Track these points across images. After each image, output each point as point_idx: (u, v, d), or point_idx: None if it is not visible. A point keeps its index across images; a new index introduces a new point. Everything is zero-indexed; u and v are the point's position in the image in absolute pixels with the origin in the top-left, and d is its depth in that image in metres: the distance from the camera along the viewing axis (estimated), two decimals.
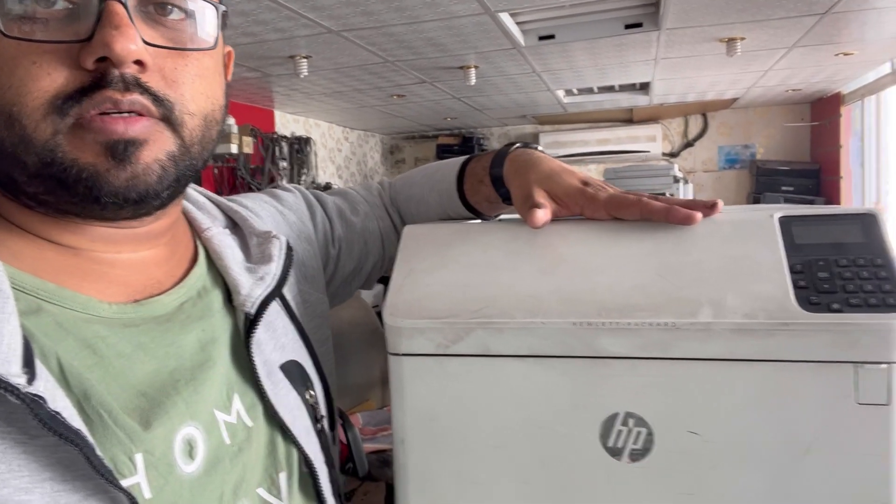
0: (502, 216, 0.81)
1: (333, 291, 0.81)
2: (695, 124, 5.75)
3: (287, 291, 0.65)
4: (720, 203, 0.61)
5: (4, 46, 0.43)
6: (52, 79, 0.44)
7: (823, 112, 5.10)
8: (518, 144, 0.73)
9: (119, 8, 0.45)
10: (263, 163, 4.37)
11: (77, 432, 0.40)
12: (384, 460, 2.03)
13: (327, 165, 5.46)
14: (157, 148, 0.48)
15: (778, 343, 0.53)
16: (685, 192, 4.76)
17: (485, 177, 0.73)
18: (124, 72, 0.45)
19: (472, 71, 3.52)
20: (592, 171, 5.83)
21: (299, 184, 4.69)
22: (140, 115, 0.47)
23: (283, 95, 4.15)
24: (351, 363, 2.58)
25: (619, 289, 0.58)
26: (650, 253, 0.60)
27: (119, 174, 0.46)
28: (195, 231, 0.62)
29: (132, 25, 0.45)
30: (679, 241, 0.60)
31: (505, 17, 2.65)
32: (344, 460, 2.00)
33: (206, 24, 0.51)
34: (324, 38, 2.80)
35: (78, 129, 0.45)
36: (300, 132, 4.98)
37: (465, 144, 6.04)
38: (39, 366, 0.41)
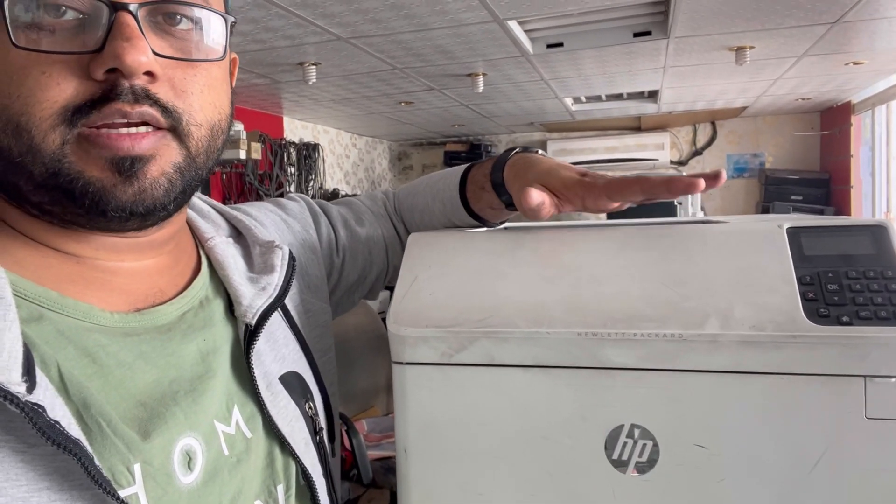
0: (507, 224, 0.80)
1: (337, 301, 0.80)
2: (703, 132, 5.74)
3: (289, 301, 0.65)
4: (723, 172, 0.59)
5: (14, 56, 0.43)
6: (61, 89, 0.44)
7: (833, 121, 5.07)
8: (517, 149, 0.73)
9: (129, 19, 0.44)
10: (272, 168, 4.38)
11: (76, 442, 0.40)
12: (388, 467, 2.02)
13: (335, 171, 5.47)
14: (164, 161, 0.48)
15: (786, 356, 0.53)
16: (693, 201, 4.74)
17: (486, 183, 0.72)
18: (134, 83, 0.45)
19: (481, 78, 3.53)
20: None
21: (307, 190, 4.72)
22: (148, 126, 0.47)
23: (291, 102, 4.17)
24: (356, 369, 2.58)
25: (625, 299, 0.57)
26: (657, 263, 0.59)
27: (126, 189, 0.46)
28: (198, 240, 0.62)
29: (143, 37, 0.45)
30: (686, 252, 0.59)
31: (513, 25, 2.65)
32: (348, 467, 1.99)
33: (215, 34, 0.51)
34: (333, 46, 2.81)
35: (84, 143, 0.45)
36: (308, 138, 5.00)
37: (472, 151, 6.04)
38: (39, 374, 0.41)
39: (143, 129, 0.47)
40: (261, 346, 0.56)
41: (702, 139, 5.74)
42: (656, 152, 5.67)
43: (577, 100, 4.66)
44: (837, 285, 0.54)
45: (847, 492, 0.53)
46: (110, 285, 0.51)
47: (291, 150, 4.60)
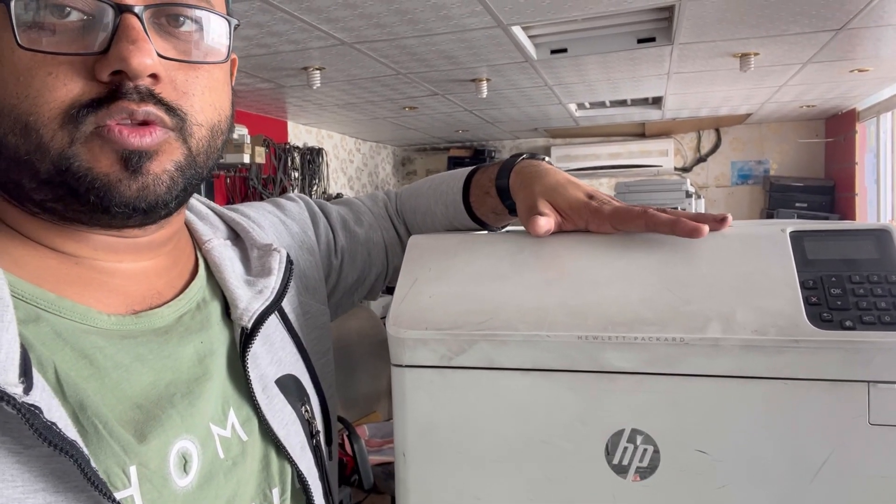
0: (508, 228, 0.80)
1: (336, 302, 0.80)
2: (708, 139, 5.73)
3: (286, 304, 0.65)
4: (729, 217, 0.60)
5: (19, 57, 0.44)
6: (67, 89, 0.44)
7: (838, 128, 5.06)
8: (525, 155, 0.73)
9: (135, 21, 0.45)
10: (275, 173, 4.39)
11: (72, 443, 0.40)
12: (390, 472, 2.02)
13: (339, 176, 5.48)
14: (166, 158, 0.49)
15: (788, 360, 0.52)
16: (697, 208, 4.73)
17: (491, 188, 0.72)
18: (138, 84, 0.46)
19: (484, 84, 3.53)
20: (604, 185, 5.81)
21: (311, 194, 4.72)
22: (153, 124, 0.47)
23: (296, 106, 4.18)
24: (358, 374, 2.58)
25: (626, 302, 0.57)
26: (658, 266, 0.59)
27: (131, 184, 0.47)
28: (196, 242, 0.62)
29: (148, 39, 0.45)
30: (688, 255, 0.59)
31: (517, 31, 2.66)
32: (349, 472, 1.99)
33: (218, 36, 0.51)
34: (337, 50, 2.82)
35: (95, 139, 0.45)
36: (312, 143, 5.01)
37: (476, 157, 6.05)
38: (36, 375, 0.41)
39: (148, 125, 0.47)
40: (256, 350, 0.56)
41: (706, 146, 5.73)
42: (660, 159, 5.67)
43: (580, 106, 4.66)
44: (841, 290, 0.54)
45: (850, 499, 0.52)
46: (108, 287, 0.51)
47: (295, 154, 4.61)
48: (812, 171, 5.44)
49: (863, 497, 0.52)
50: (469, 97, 3.94)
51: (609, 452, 0.56)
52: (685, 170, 5.76)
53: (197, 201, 0.66)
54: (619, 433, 0.56)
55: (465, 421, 0.59)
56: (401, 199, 0.86)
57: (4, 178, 0.47)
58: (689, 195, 4.60)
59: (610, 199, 0.64)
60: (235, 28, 0.54)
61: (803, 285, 0.55)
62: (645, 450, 0.55)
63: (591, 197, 0.64)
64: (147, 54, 0.45)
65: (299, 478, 0.57)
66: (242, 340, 0.56)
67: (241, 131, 3.68)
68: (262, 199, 4.35)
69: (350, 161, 5.73)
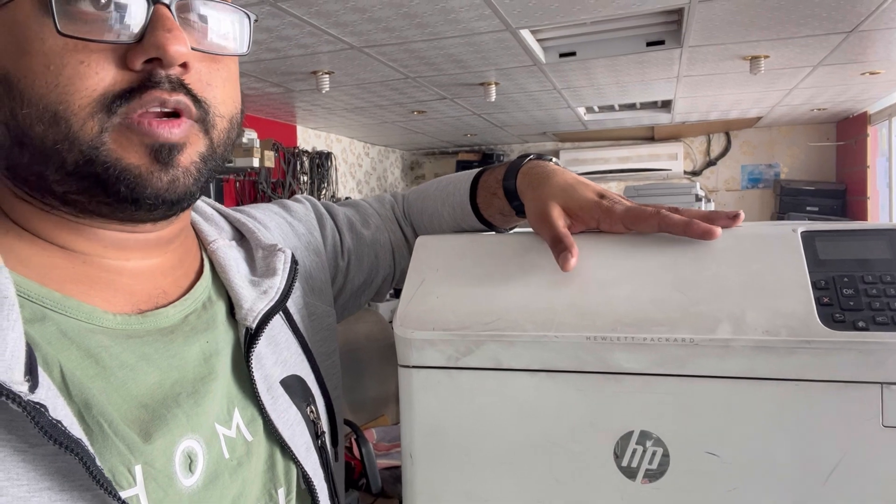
0: (516, 229, 0.80)
1: (343, 304, 0.80)
2: (717, 143, 5.70)
3: (292, 305, 0.65)
4: (742, 214, 0.60)
5: (52, 45, 0.44)
6: (99, 78, 0.45)
7: (849, 131, 5.03)
8: (532, 156, 0.72)
9: (168, 12, 0.46)
10: (284, 177, 4.41)
11: (77, 441, 0.40)
12: (398, 476, 2.01)
13: (347, 180, 5.50)
14: (193, 150, 0.49)
15: (800, 361, 0.51)
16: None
17: (498, 189, 0.72)
18: (170, 73, 0.47)
19: (493, 87, 3.53)
20: (613, 189, 5.76)
21: (320, 198, 4.73)
22: (181, 115, 0.48)
23: (305, 111, 4.20)
24: (366, 378, 2.58)
25: (635, 303, 0.56)
26: (668, 266, 0.58)
27: (162, 176, 0.47)
28: (202, 243, 0.62)
29: (181, 29, 0.47)
30: (698, 255, 0.58)
31: (526, 34, 2.66)
32: (357, 476, 1.98)
33: (239, 30, 0.53)
34: (346, 54, 2.83)
35: (125, 130, 0.46)
36: (321, 147, 5.03)
37: (485, 161, 6.05)
38: (42, 374, 0.41)
39: (177, 117, 0.48)
40: (261, 350, 0.56)
41: (716, 149, 5.71)
42: (670, 162, 5.64)
43: (589, 109, 4.66)
44: (853, 290, 0.53)
45: (863, 502, 0.51)
46: (114, 286, 0.51)
47: (304, 158, 4.63)
48: (823, 174, 5.41)
49: (876, 500, 0.51)
50: (477, 101, 3.95)
51: (618, 455, 0.56)
52: (695, 173, 5.73)
53: (202, 202, 0.66)
54: (628, 435, 0.55)
55: (473, 422, 0.58)
56: (408, 201, 0.86)
57: (25, 171, 0.47)
58: (698, 199, 4.57)
59: (621, 199, 0.64)
60: (255, 23, 0.54)
61: (815, 285, 0.54)
62: (654, 452, 0.55)
63: (602, 196, 0.64)
64: (182, 42, 0.46)
65: (305, 478, 0.56)
66: (247, 341, 0.56)
67: (250, 135, 3.70)
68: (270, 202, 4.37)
69: (359, 165, 5.74)
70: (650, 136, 5.68)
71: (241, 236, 0.66)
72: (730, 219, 0.59)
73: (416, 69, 3.13)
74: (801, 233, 0.58)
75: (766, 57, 3.04)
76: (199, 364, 0.52)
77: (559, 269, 0.60)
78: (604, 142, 5.84)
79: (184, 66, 0.47)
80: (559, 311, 0.57)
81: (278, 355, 0.59)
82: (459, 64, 3.05)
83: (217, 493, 0.49)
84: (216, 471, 0.49)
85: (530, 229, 0.68)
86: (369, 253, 0.80)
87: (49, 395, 0.40)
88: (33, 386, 0.39)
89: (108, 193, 0.47)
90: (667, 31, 2.79)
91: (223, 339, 0.55)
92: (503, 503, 0.59)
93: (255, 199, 4.21)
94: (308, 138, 4.91)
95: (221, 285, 0.59)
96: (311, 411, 0.60)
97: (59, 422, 0.40)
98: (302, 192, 4.51)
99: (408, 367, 0.60)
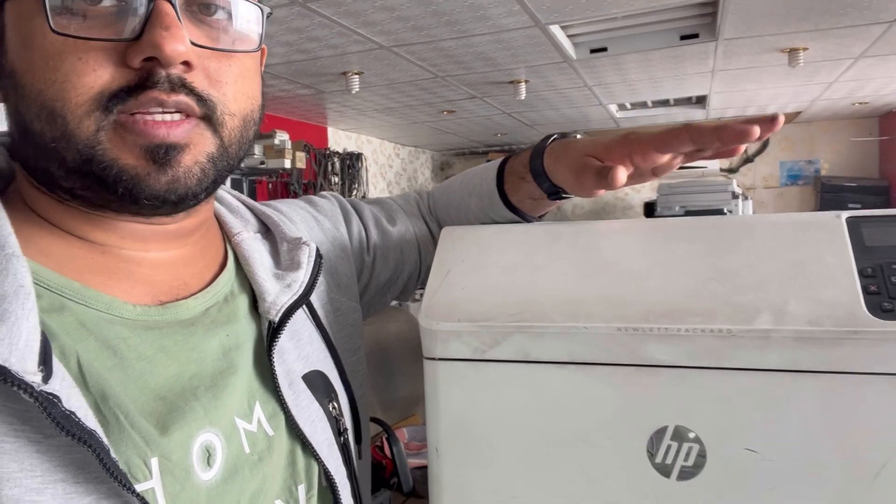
0: (544, 219, 0.78)
1: (369, 300, 0.79)
2: None
3: (316, 299, 0.64)
4: (781, 116, 0.54)
5: (50, 42, 0.43)
6: (97, 75, 0.44)
7: (893, 126, 4.87)
8: (555, 135, 0.70)
9: (168, 8, 0.44)
10: (316, 178, 4.45)
11: (91, 433, 0.39)
12: None
13: (378, 181, 5.52)
14: (198, 150, 0.48)
15: (845, 353, 0.49)
16: (745, 210, 4.60)
17: (526, 174, 0.70)
18: (170, 72, 0.45)
19: (523, 85, 3.51)
20: (646, 187, 5.71)
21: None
22: (183, 115, 0.47)
23: (335, 112, 4.23)
24: (397, 377, 2.57)
25: (669, 292, 0.54)
26: (703, 255, 0.56)
27: (160, 177, 0.46)
28: (226, 235, 0.61)
29: (181, 26, 0.45)
30: (735, 244, 0.56)
31: (556, 30, 2.63)
32: (388, 475, 1.98)
33: (251, 24, 0.51)
34: (375, 54, 2.84)
35: (120, 129, 0.45)
36: (352, 148, 5.06)
37: None
38: (57, 364, 0.41)
39: (177, 116, 0.46)
40: (284, 344, 0.56)
41: (753, 146, 5.58)
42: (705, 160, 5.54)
43: (621, 106, 4.60)
44: None
45: None
46: (134, 276, 0.50)
47: (335, 159, 4.66)
48: (865, 170, 5.25)
49: None
50: (507, 99, 3.92)
51: (651, 451, 0.54)
52: (731, 171, 5.62)
53: (228, 194, 0.66)
54: (662, 431, 0.53)
55: (500, 416, 0.57)
56: (433, 196, 0.85)
57: (34, 165, 0.48)
58: (735, 196, 4.47)
59: (648, 129, 0.61)
60: (268, 17, 0.53)
61: (861, 273, 0.51)
62: (690, 448, 0.53)
63: (627, 133, 0.62)
64: (180, 41, 0.44)
65: (326, 476, 0.55)
66: (269, 334, 0.55)
67: (282, 137, 3.74)
68: None
69: (389, 166, 5.77)
70: None
71: (267, 229, 0.65)
72: (768, 122, 0.53)
73: (445, 68, 3.13)
74: (847, 218, 0.55)
75: (805, 49, 2.96)
76: (219, 358, 0.51)
77: (588, 259, 0.58)
78: None
79: (186, 64, 0.46)
80: (589, 302, 0.55)
81: (301, 350, 0.58)
82: (488, 62, 3.04)
83: (237, 487, 0.48)
84: (236, 465, 0.49)
85: (557, 221, 0.66)
86: (395, 249, 0.79)
87: (63, 386, 0.40)
88: (47, 376, 0.39)
89: (109, 192, 0.46)
90: (701, 24, 2.74)
91: (245, 333, 0.55)
92: (532, 500, 0.57)
93: None
94: (339, 139, 4.95)
95: (245, 278, 0.58)
96: (334, 408, 0.59)
97: (72, 413, 0.39)
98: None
99: (433, 359, 0.59)
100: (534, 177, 0.69)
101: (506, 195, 0.73)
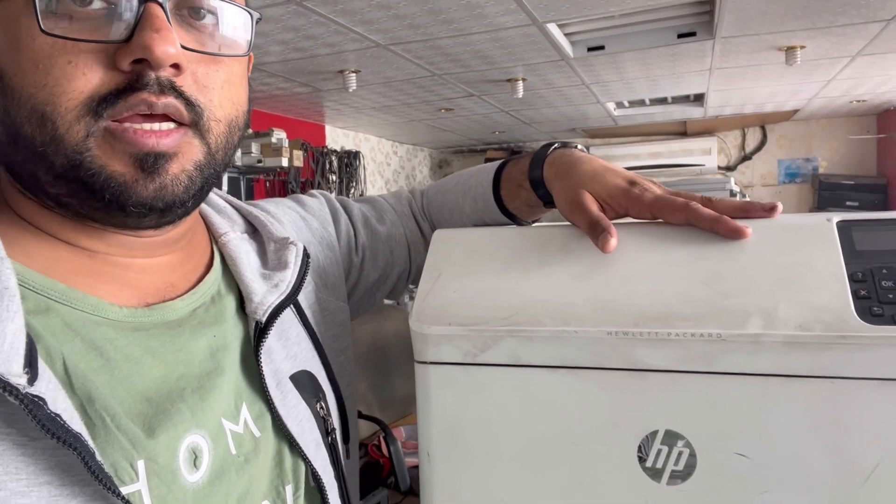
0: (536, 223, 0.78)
1: (357, 300, 0.79)
2: (753, 137, 5.58)
3: (303, 299, 0.64)
4: (779, 206, 0.57)
5: (40, 44, 0.43)
6: (87, 79, 0.44)
7: (891, 124, 4.87)
8: (557, 144, 0.70)
9: (159, 10, 0.44)
10: (313, 176, 4.44)
11: (77, 436, 0.39)
12: None
13: (376, 179, 5.52)
14: (186, 159, 0.48)
15: (836, 358, 0.49)
16: None
17: (524, 181, 0.70)
18: (160, 75, 0.45)
19: (520, 83, 3.51)
20: None
21: (349, 197, 4.76)
22: (174, 123, 0.46)
23: (333, 110, 4.22)
24: (394, 376, 2.57)
25: (660, 296, 0.54)
26: (694, 259, 0.56)
27: (147, 185, 0.46)
28: (213, 235, 0.61)
29: (171, 29, 0.45)
30: (726, 247, 0.56)
31: (553, 28, 2.62)
32: (386, 474, 1.98)
33: (239, 29, 0.51)
34: (372, 52, 2.83)
35: (109, 137, 0.45)
36: (350, 146, 5.06)
37: None
38: (42, 366, 0.40)
39: (166, 125, 0.46)
40: (271, 344, 0.55)
41: (751, 144, 5.58)
42: (703, 157, 5.54)
43: (619, 104, 4.59)
44: (892, 282, 0.50)
45: None
46: (121, 279, 0.50)
47: (333, 157, 4.66)
48: (863, 168, 5.25)
49: None
50: (505, 97, 3.92)
51: (642, 455, 0.53)
52: (729, 168, 5.62)
53: (214, 194, 0.65)
54: (653, 435, 0.53)
55: (491, 420, 0.57)
56: (427, 196, 0.85)
57: (20, 170, 0.47)
58: (733, 194, 4.47)
59: (651, 185, 0.62)
60: (257, 22, 0.53)
61: (851, 278, 0.51)
62: (680, 452, 0.53)
63: (632, 183, 0.62)
64: (170, 43, 0.44)
65: (314, 476, 0.55)
66: (256, 335, 0.55)
67: (279, 135, 3.73)
68: None
69: (387, 164, 5.76)
70: (682, 131, 5.58)
71: (254, 229, 0.65)
72: (766, 210, 0.56)
73: (442, 66, 3.12)
74: (837, 222, 0.55)
75: (803, 47, 2.96)
76: (206, 359, 0.51)
77: (579, 263, 0.58)
78: (634, 137, 5.76)
79: (176, 67, 0.45)
80: (579, 306, 0.55)
81: (288, 350, 0.58)
82: (486, 60, 3.03)
83: (223, 489, 0.48)
84: (222, 467, 0.49)
85: (549, 223, 0.66)
86: (384, 249, 0.79)
87: (49, 388, 0.40)
88: (32, 378, 0.39)
89: (95, 199, 0.46)
90: (698, 23, 2.74)
91: (232, 333, 0.55)
92: (523, 503, 0.57)
93: None
94: (336, 137, 4.94)
95: (232, 279, 0.58)
96: (322, 408, 0.59)
97: (58, 415, 0.39)
98: (332, 192, 4.54)
99: (424, 363, 0.58)
100: (532, 185, 0.69)
101: (501, 200, 0.73)
